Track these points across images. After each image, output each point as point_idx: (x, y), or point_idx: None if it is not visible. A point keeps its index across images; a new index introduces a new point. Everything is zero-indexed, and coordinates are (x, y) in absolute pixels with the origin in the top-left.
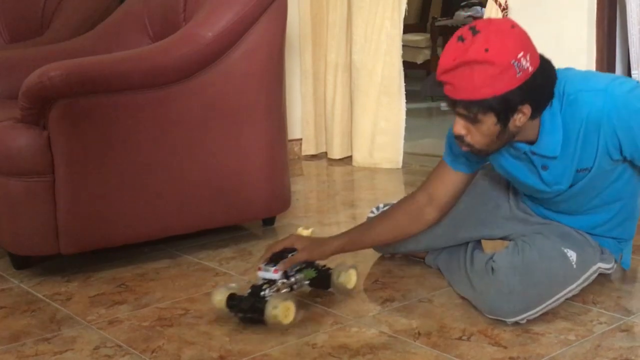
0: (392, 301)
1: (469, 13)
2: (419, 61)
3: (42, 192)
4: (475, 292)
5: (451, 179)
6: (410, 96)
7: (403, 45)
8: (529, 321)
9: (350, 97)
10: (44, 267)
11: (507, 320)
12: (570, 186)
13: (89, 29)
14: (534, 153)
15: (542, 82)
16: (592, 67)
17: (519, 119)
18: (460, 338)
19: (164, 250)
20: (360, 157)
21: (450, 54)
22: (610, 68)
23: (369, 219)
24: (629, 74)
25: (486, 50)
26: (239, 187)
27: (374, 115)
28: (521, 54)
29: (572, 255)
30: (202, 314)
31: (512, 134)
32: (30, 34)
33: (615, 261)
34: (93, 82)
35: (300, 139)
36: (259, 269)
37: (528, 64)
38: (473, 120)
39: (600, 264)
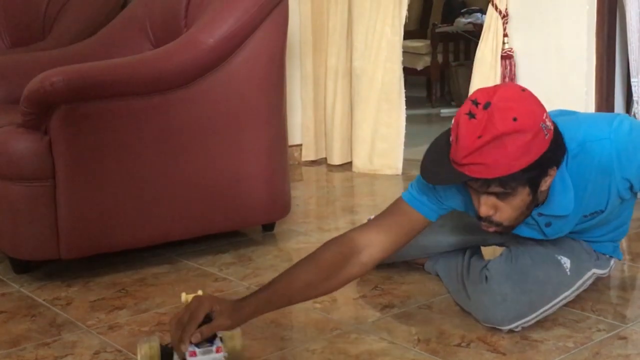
0: (391, 307)
1: (469, 20)
2: (419, 67)
3: (43, 197)
4: (470, 300)
5: (411, 220)
6: (410, 102)
7: (403, 52)
8: (527, 328)
9: (350, 103)
10: (44, 271)
11: (501, 327)
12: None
13: (91, 34)
14: (540, 214)
15: (560, 139)
16: (592, 74)
17: (546, 182)
18: (459, 345)
19: (163, 255)
20: (360, 163)
21: (470, 133)
22: (610, 75)
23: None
24: (628, 82)
25: (514, 119)
26: (239, 192)
27: (374, 122)
28: (545, 114)
29: (566, 262)
30: None
31: (538, 201)
32: (31, 39)
33: (610, 265)
34: (94, 87)
35: (300, 145)
36: (193, 354)
37: (550, 123)
38: (507, 195)
39: (595, 270)
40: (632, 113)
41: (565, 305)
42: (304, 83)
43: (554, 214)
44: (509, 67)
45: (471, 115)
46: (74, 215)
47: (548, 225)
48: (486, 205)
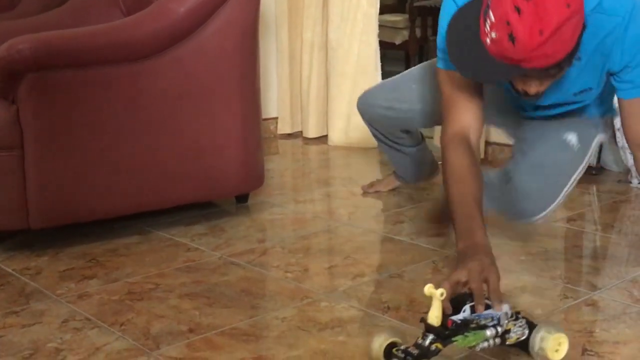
0: (362, 276)
1: None
2: (397, 42)
3: (11, 166)
4: (499, 202)
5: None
6: (388, 77)
7: (381, 26)
8: None
9: (326, 77)
10: (14, 242)
11: (534, 219)
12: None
13: (61, 3)
14: None
15: None
16: None
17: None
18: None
19: (135, 226)
20: (336, 137)
21: (529, 29)
22: None
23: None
24: None
25: (568, 5)
26: (212, 163)
27: (350, 95)
28: None
29: (572, 139)
30: (172, 288)
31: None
32: (0, 8)
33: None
34: (62, 55)
35: (276, 118)
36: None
37: None
38: (559, 73)
39: (600, 135)
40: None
41: (534, 274)
42: (279, 56)
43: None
44: None
45: (517, 9)
46: (42, 185)
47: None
48: (534, 85)
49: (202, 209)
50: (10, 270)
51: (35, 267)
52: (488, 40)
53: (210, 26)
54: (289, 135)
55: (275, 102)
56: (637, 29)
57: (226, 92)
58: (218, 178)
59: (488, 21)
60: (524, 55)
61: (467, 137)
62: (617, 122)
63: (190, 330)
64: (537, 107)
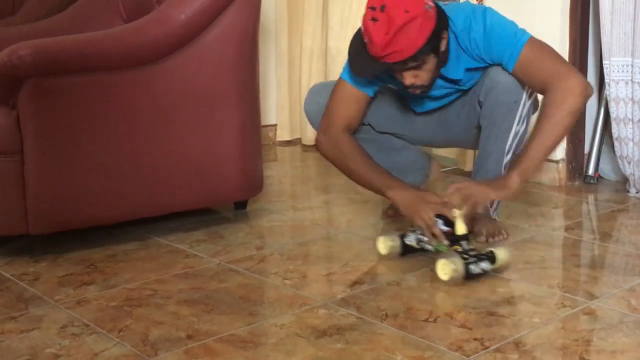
0: (361, 284)
1: (446, 3)
2: None
3: (11, 172)
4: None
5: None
6: None
7: None
8: (494, 303)
9: None
10: (13, 247)
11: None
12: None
13: (62, 9)
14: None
15: (441, 11)
16: (565, 56)
17: (443, 44)
18: (426, 320)
19: (134, 232)
20: None
21: (379, 32)
22: (583, 58)
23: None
24: (600, 64)
25: (406, 11)
26: (211, 170)
27: None
28: None
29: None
30: (171, 295)
31: (442, 60)
32: (2, 13)
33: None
34: (63, 61)
35: (275, 125)
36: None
37: (431, 3)
38: (421, 65)
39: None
40: (605, 95)
41: (532, 282)
42: (279, 63)
43: (449, 76)
44: None
45: (374, 19)
46: (42, 191)
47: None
48: (408, 77)
49: (201, 215)
50: (8, 276)
51: (34, 272)
52: (366, 45)
53: (210, 33)
54: (288, 142)
55: (274, 109)
56: (479, 32)
57: (226, 99)
58: (217, 185)
59: (363, 30)
60: (383, 52)
61: (350, 129)
62: (615, 130)
63: (189, 337)
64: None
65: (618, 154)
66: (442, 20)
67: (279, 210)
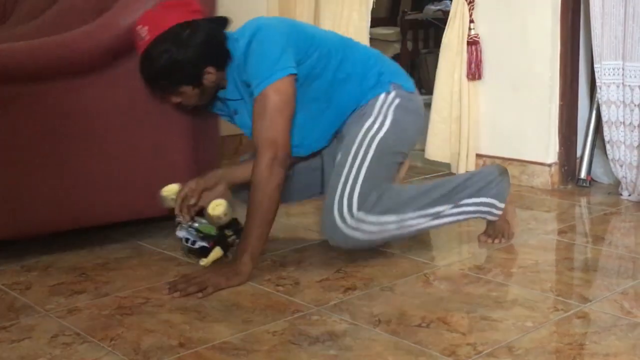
0: (353, 290)
1: (438, 7)
2: (389, 55)
3: None
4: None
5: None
6: None
7: (373, 39)
8: (487, 308)
9: None
10: (3, 256)
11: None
12: None
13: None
14: (225, 99)
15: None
16: (556, 60)
17: (207, 78)
18: (419, 325)
19: (126, 240)
20: None
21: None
22: (574, 61)
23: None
24: (592, 67)
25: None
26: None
27: None
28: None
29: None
30: (163, 303)
31: (214, 86)
32: None
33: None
34: (3, 69)
35: None
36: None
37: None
38: (173, 93)
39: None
40: (596, 98)
41: (525, 286)
42: None
43: (228, 97)
44: (475, 53)
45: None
46: None
47: (235, 113)
48: (171, 100)
49: None
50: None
51: (24, 281)
52: None
53: None
54: None
55: None
56: (240, 49)
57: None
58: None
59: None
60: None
61: None
62: (607, 133)
63: (181, 345)
64: None
65: (610, 157)
66: (203, 58)
67: None
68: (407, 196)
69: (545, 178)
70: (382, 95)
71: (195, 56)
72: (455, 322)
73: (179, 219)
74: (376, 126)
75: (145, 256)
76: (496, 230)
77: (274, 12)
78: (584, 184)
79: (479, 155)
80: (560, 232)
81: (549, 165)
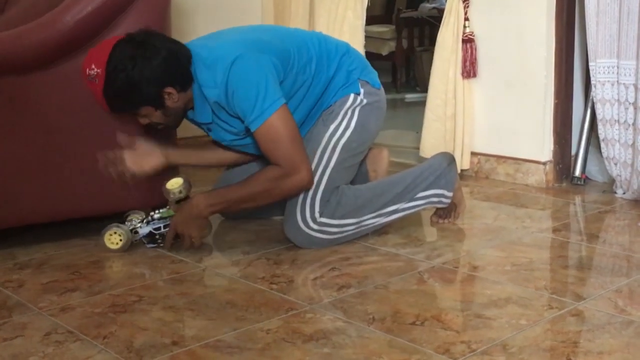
0: (348, 287)
1: (433, 5)
2: (384, 52)
3: None
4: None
5: None
6: None
7: (368, 37)
8: (481, 306)
9: None
10: None
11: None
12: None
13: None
14: (193, 120)
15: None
16: (551, 58)
17: (170, 99)
18: (413, 323)
19: None
20: None
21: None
22: (569, 60)
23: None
24: (587, 66)
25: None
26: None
27: None
28: (88, 68)
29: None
30: (156, 301)
31: (180, 107)
32: None
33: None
34: None
35: None
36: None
37: (99, 71)
38: (138, 115)
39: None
40: (591, 96)
41: (519, 284)
42: None
43: (196, 120)
44: (469, 51)
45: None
46: None
47: (209, 130)
48: (139, 120)
49: None
50: None
51: (17, 279)
52: None
53: (106, 38)
54: None
55: None
56: (220, 86)
57: None
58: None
59: None
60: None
61: None
62: (601, 132)
63: (174, 343)
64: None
65: (605, 155)
66: (162, 77)
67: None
68: (364, 199)
69: (539, 176)
70: (352, 96)
71: (153, 76)
72: (449, 320)
73: (130, 220)
74: (341, 129)
75: (139, 254)
76: (445, 211)
77: (268, 9)
78: (579, 182)
79: (473, 153)
80: (555, 230)
81: (544, 163)
